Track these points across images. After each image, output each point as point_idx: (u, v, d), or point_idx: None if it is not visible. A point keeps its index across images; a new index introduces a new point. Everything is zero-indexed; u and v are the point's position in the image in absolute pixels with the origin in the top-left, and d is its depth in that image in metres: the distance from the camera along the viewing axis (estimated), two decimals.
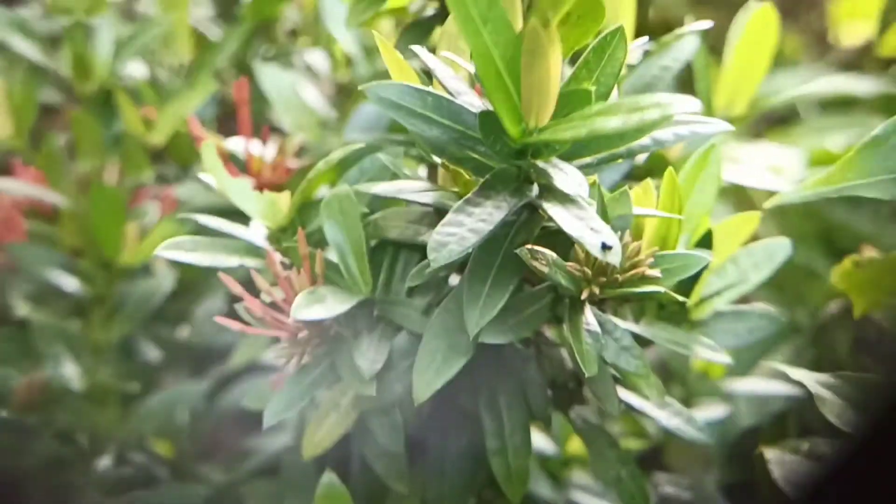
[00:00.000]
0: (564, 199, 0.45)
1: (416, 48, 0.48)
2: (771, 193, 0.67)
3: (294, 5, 1.02)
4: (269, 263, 0.56)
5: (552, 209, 0.44)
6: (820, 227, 0.83)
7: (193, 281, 0.86)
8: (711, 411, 0.73)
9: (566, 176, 0.43)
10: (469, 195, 0.45)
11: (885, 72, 1.05)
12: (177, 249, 0.58)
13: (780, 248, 0.58)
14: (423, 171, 0.62)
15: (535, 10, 0.42)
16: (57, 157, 0.81)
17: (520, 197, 0.45)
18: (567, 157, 0.45)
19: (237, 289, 0.56)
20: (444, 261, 0.43)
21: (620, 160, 0.48)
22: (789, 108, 0.91)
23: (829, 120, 0.89)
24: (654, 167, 0.61)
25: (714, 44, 0.67)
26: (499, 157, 0.45)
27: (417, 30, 0.63)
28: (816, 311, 0.83)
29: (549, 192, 0.45)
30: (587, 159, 0.46)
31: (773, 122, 0.96)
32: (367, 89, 0.45)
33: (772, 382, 0.72)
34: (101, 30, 0.84)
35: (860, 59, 1.22)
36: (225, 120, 0.91)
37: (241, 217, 0.65)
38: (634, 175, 0.60)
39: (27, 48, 0.83)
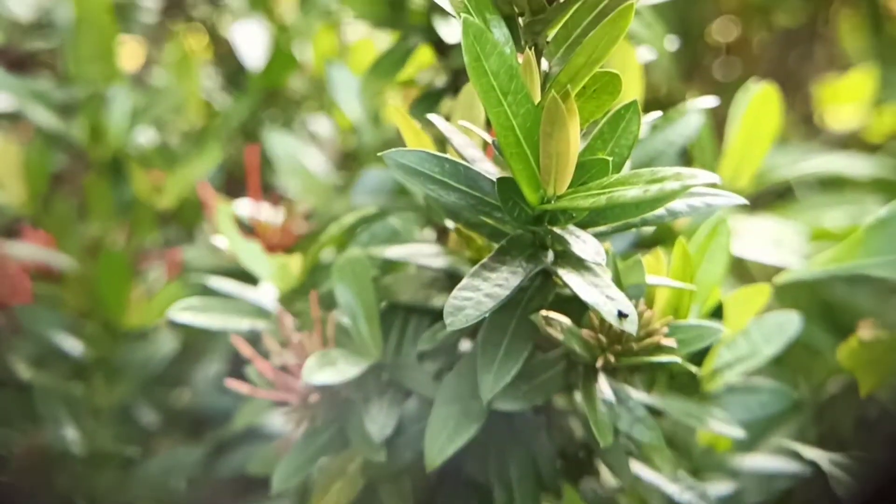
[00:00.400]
0: (580, 265, 0.45)
1: (432, 117, 0.49)
2: (773, 268, 0.68)
3: (300, 74, 1.05)
4: (280, 326, 0.56)
5: (568, 276, 0.44)
6: (822, 304, 0.84)
7: (193, 344, 0.86)
8: (718, 487, 0.72)
9: (584, 243, 0.44)
10: (485, 260, 0.46)
11: (872, 153, 1.08)
12: (188, 311, 0.58)
13: (790, 322, 0.58)
14: (431, 234, 0.63)
15: (554, 84, 0.43)
16: (67, 221, 0.82)
17: (535, 263, 0.46)
18: (582, 225, 0.46)
19: (248, 351, 0.56)
20: (460, 325, 0.43)
21: (634, 229, 0.49)
22: (784, 184, 0.93)
23: (825, 198, 0.91)
24: (661, 237, 0.62)
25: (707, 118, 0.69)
26: (515, 222, 0.46)
27: (428, 100, 0.65)
28: (820, 387, 0.83)
29: (565, 258, 0.46)
30: (602, 228, 0.47)
31: (768, 198, 0.97)
32: (385, 155, 0.46)
33: (779, 459, 0.71)
34: (117, 99, 0.86)
35: (848, 141, 1.26)
36: (231, 184, 0.92)
37: (247, 280, 0.65)
38: (641, 244, 0.61)
39: (45, 117, 0.85)
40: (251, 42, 0.98)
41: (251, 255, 0.61)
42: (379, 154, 0.46)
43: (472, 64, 0.41)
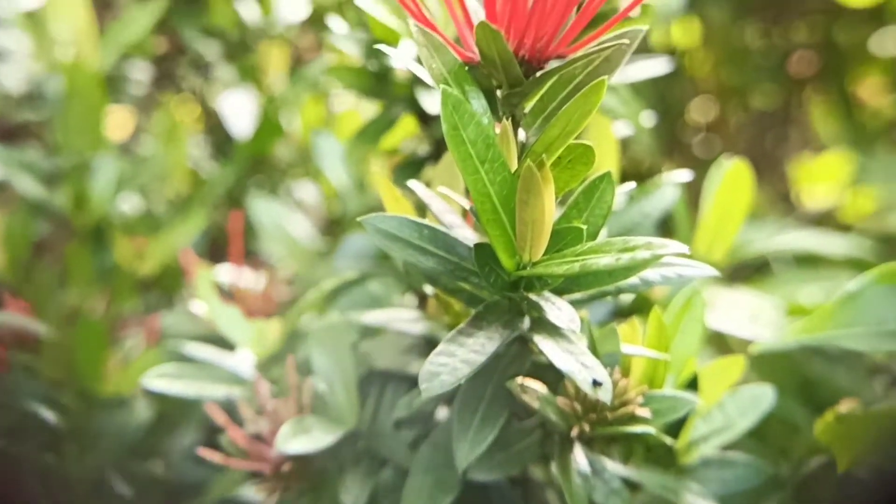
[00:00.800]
0: (555, 333, 0.45)
1: (412, 183, 0.50)
2: (749, 342, 0.69)
3: (287, 142, 1.07)
4: (256, 392, 0.56)
5: (543, 343, 0.45)
6: (801, 380, 0.84)
7: (169, 413, 0.84)
8: None
9: (559, 310, 0.44)
10: (462, 326, 0.46)
11: (847, 233, 1.11)
12: (162, 378, 0.58)
13: (764, 395, 0.58)
14: (411, 300, 0.63)
15: (530, 153, 0.44)
16: (47, 288, 0.82)
17: (512, 329, 0.46)
18: (558, 292, 0.47)
19: (222, 418, 0.55)
20: (435, 391, 0.43)
21: (609, 297, 0.49)
22: (761, 258, 0.94)
23: (801, 273, 0.92)
24: (638, 306, 0.63)
25: (686, 192, 0.71)
26: (492, 288, 0.46)
27: (411, 167, 0.66)
28: (799, 463, 0.83)
29: (541, 325, 0.46)
30: (577, 295, 0.48)
31: (745, 271, 0.99)
32: (365, 221, 0.47)
33: None
34: (102, 168, 0.87)
35: (823, 220, 1.28)
36: (216, 250, 0.93)
37: (225, 347, 0.65)
38: (619, 313, 0.62)
39: (30, 186, 0.85)
40: (239, 112, 1.01)
41: (229, 320, 0.61)
42: (359, 219, 0.47)
43: (451, 132, 0.42)
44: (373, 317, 0.55)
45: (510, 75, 0.45)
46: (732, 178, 0.64)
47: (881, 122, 1.41)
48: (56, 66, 0.84)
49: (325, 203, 1.04)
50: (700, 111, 1.57)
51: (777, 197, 1.42)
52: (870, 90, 1.49)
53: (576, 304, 0.48)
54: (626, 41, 0.44)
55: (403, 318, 0.54)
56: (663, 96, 1.41)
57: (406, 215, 0.47)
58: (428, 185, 0.54)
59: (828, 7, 1.44)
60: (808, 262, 0.93)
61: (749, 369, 0.74)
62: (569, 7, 0.44)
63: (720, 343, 0.81)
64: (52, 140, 0.90)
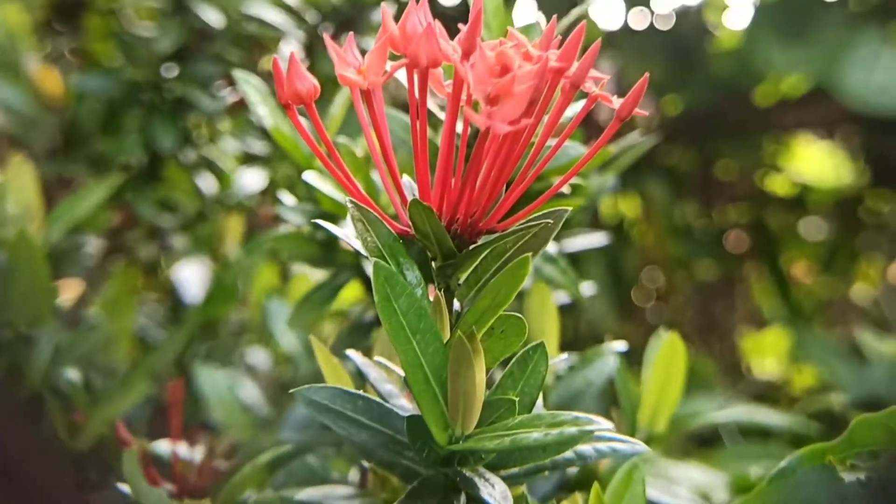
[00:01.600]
0: None
1: (350, 352, 0.50)
2: None
3: (241, 308, 1.07)
4: None
5: None
6: None
7: None
8: None
9: (492, 487, 0.43)
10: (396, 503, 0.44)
11: (793, 405, 1.12)
12: None
13: None
14: (355, 473, 0.61)
15: (461, 324, 0.45)
16: None
17: None
18: (494, 466, 0.46)
19: None
20: None
21: (546, 472, 0.48)
22: (712, 429, 0.95)
23: (749, 448, 0.92)
24: (585, 479, 0.62)
25: (640, 357, 0.72)
26: (426, 463, 0.45)
27: (356, 333, 0.67)
28: None
29: (476, 502, 0.45)
30: (514, 470, 0.47)
31: (699, 441, 0.98)
32: (297, 393, 0.46)
33: None
34: (42, 340, 0.85)
35: (772, 391, 1.30)
36: (160, 419, 0.90)
37: None
38: (566, 486, 0.61)
39: None
40: (191, 279, 1.01)
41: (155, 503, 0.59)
42: (291, 391, 0.46)
43: (382, 303, 0.43)
44: (308, 493, 0.53)
45: (443, 248, 0.47)
46: (668, 350, 0.65)
47: (815, 301, 1.47)
48: (2, 243, 0.84)
49: (277, 368, 1.03)
50: (651, 279, 1.62)
51: (727, 367, 1.44)
52: (803, 270, 1.57)
53: (513, 478, 0.47)
54: (550, 221, 0.46)
55: (338, 494, 0.52)
56: (616, 264, 1.46)
57: (339, 386, 0.46)
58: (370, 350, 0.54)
59: (756, 194, 1.54)
60: (756, 434, 0.94)
61: None
62: (498, 185, 0.46)
63: None
64: None
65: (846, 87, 1.33)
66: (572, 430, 0.40)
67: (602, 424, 0.41)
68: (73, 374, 0.90)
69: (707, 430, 0.94)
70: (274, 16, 0.97)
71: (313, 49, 1.00)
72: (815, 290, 1.51)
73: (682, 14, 1.61)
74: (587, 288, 0.72)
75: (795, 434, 0.90)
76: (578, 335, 1.30)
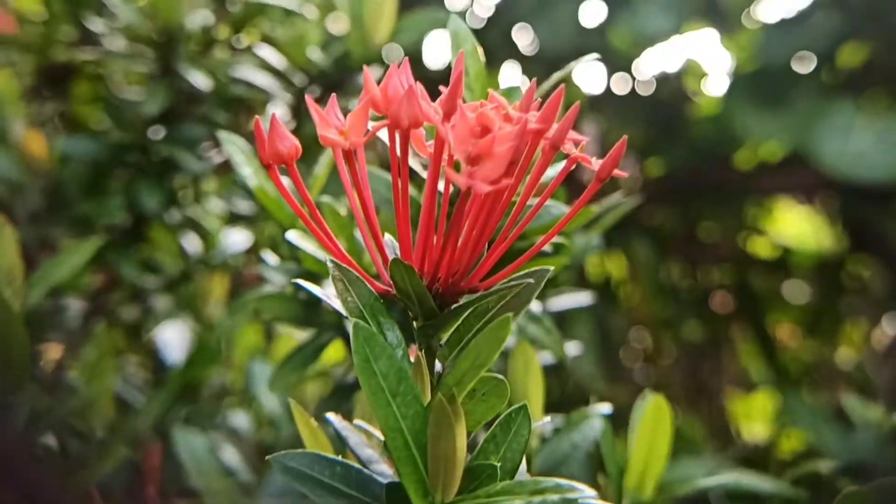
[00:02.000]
0: None
1: (329, 416, 0.49)
2: None
3: (224, 369, 1.06)
4: None
5: None
6: None
7: None
8: None
9: None
10: None
11: (783, 469, 1.10)
12: None
13: None
14: None
15: (442, 386, 0.44)
16: None
17: None
18: None
19: None
20: None
21: None
22: (701, 495, 0.93)
23: None
24: None
25: (628, 419, 0.70)
26: None
27: (338, 394, 0.65)
28: None
29: None
30: None
31: None
32: (273, 459, 0.45)
33: None
34: (18, 406, 0.83)
35: (761, 455, 1.28)
36: (140, 484, 0.87)
37: None
38: None
39: None
40: (173, 341, 1.00)
41: None
42: (267, 458, 0.45)
43: (362, 365, 0.42)
44: None
45: (425, 308, 0.46)
46: (654, 412, 0.64)
47: (801, 364, 1.47)
48: None
49: (258, 432, 1.01)
50: (638, 340, 1.62)
51: (715, 429, 1.43)
52: (788, 332, 1.57)
53: None
54: (532, 280, 0.45)
55: None
56: (603, 324, 1.46)
57: (317, 451, 0.45)
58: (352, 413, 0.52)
59: (739, 255, 1.55)
60: (745, 500, 0.92)
61: None
62: (480, 244, 0.46)
63: None
64: None
65: (822, 154, 1.35)
66: (555, 497, 0.39)
67: (585, 492, 0.40)
68: (49, 439, 0.88)
69: (696, 494, 0.92)
70: (262, 79, 0.98)
71: (300, 111, 1.00)
72: (801, 353, 1.51)
73: (663, 80, 1.65)
74: (572, 348, 0.71)
75: (784, 499, 0.88)
76: (565, 396, 1.29)
